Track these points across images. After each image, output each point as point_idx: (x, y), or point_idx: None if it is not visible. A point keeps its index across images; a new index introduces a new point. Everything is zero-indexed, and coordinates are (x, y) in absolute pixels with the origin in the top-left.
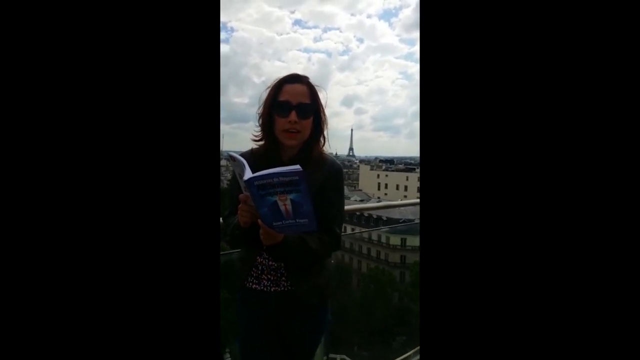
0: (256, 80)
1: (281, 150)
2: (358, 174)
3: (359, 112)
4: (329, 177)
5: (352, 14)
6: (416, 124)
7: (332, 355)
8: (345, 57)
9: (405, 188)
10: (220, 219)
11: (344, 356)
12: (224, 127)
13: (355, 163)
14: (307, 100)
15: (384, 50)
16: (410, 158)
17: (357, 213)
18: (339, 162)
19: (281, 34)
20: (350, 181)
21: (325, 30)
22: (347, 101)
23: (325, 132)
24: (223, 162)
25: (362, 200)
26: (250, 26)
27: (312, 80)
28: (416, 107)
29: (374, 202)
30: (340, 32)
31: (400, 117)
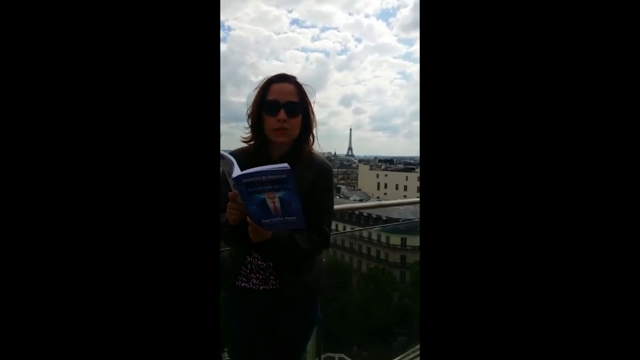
0: (254, 79)
1: (271, 149)
2: (357, 174)
3: (357, 111)
4: (318, 176)
5: (350, 14)
6: (415, 124)
7: (330, 354)
8: (343, 57)
9: (405, 188)
10: None
11: (342, 355)
12: (221, 126)
13: (355, 163)
14: (295, 99)
15: (382, 50)
16: (410, 158)
17: (357, 212)
18: (328, 162)
19: (279, 33)
20: (350, 181)
21: (323, 30)
22: (346, 100)
23: (314, 131)
24: None
25: (361, 200)
26: (247, 25)
27: (309, 79)
28: (415, 107)
29: (373, 202)
30: (338, 31)
31: (398, 117)
